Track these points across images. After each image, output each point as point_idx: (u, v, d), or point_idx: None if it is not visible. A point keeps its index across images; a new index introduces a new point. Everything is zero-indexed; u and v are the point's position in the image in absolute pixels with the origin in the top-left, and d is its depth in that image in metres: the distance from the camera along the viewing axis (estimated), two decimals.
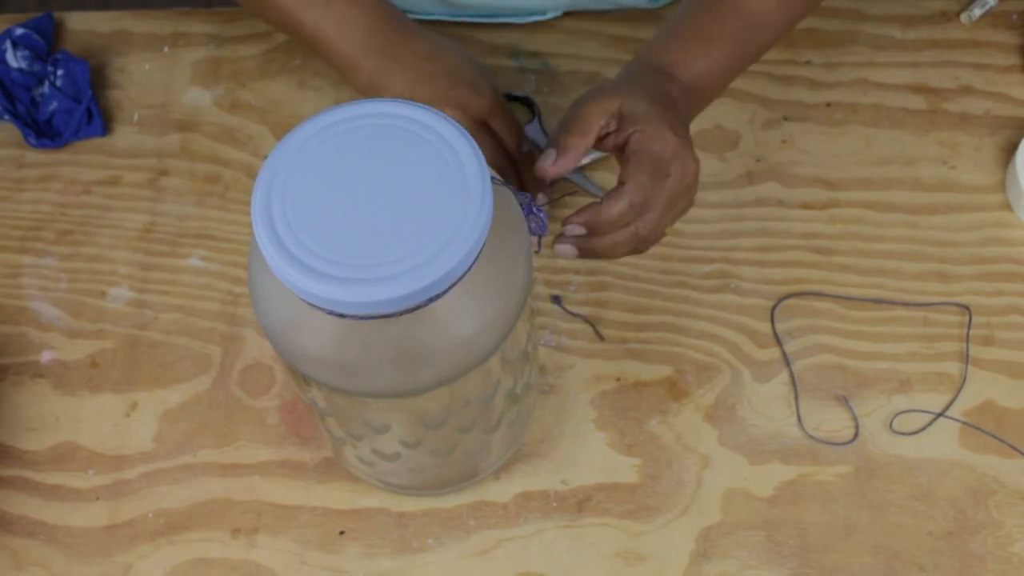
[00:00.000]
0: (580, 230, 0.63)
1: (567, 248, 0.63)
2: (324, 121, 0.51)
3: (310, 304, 0.49)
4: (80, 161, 0.81)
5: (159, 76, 0.84)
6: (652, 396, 0.73)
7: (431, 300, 0.50)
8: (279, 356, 0.56)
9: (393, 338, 0.51)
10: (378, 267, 0.48)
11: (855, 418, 0.72)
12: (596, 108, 0.63)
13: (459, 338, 0.53)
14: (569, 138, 0.63)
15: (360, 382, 0.54)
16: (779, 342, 0.74)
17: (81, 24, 0.87)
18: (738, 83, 0.84)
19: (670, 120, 0.64)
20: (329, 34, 0.72)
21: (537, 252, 0.60)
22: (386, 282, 0.48)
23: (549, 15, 0.85)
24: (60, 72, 0.82)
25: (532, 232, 0.58)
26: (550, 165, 0.63)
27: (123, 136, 0.82)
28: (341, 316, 0.50)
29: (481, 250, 0.50)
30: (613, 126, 0.64)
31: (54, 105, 0.81)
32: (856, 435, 0.72)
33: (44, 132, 0.81)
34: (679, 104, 0.66)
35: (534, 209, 0.58)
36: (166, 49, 0.85)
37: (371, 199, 0.50)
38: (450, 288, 0.50)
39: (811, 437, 0.72)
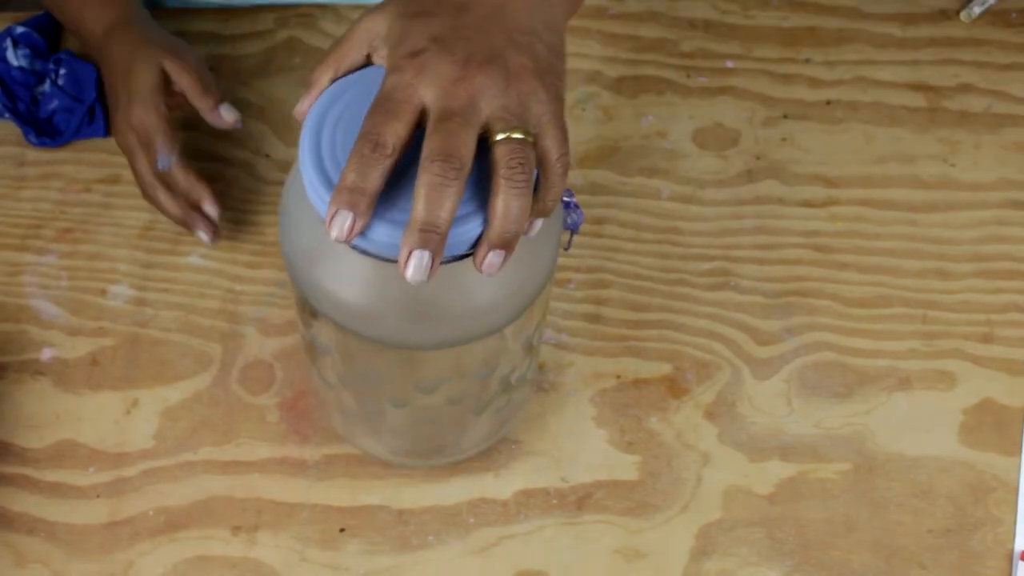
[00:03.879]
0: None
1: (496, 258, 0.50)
2: (346, 85, 0.51)
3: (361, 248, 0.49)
4: (81, 159, 0.82)
5: None
6: (652, 393, 0.73)
7: (458, 258, 0.49)
8: (293, 284, 0.56)
9: (409, 287, 0.50)
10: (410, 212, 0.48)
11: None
12: (354, 33, 0.53)
13: (474, 303, 0.52)
14: (315, 71, 0.53)
15: (367, 324, 0.53)
16: None
17: None
18: (738, 81, 0.84)
19: (412, 27, 0.51)
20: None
21: (566, 249, 0.59)
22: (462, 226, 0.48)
23: None
24: (63, 71, 0.82)
25: (567, 226, 0.57)
26: (299, 107, 0.52)
27: None
28: (363, 253, 0.49)
29: None
30: (380, 52, 0.52)
31: (55, 104, 0.81)
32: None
33: (44, 131, 0.81)
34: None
35: (572, 204, 0.58)
36: None
37: (419, 149, 0.48)
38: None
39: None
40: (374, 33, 0.52)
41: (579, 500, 0.70)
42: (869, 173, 0.80)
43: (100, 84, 0.82)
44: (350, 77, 0.52)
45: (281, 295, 0.76)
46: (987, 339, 0.74)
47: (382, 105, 0.48)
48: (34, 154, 0.82)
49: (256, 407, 0.73)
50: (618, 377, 0.74)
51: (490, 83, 0.48)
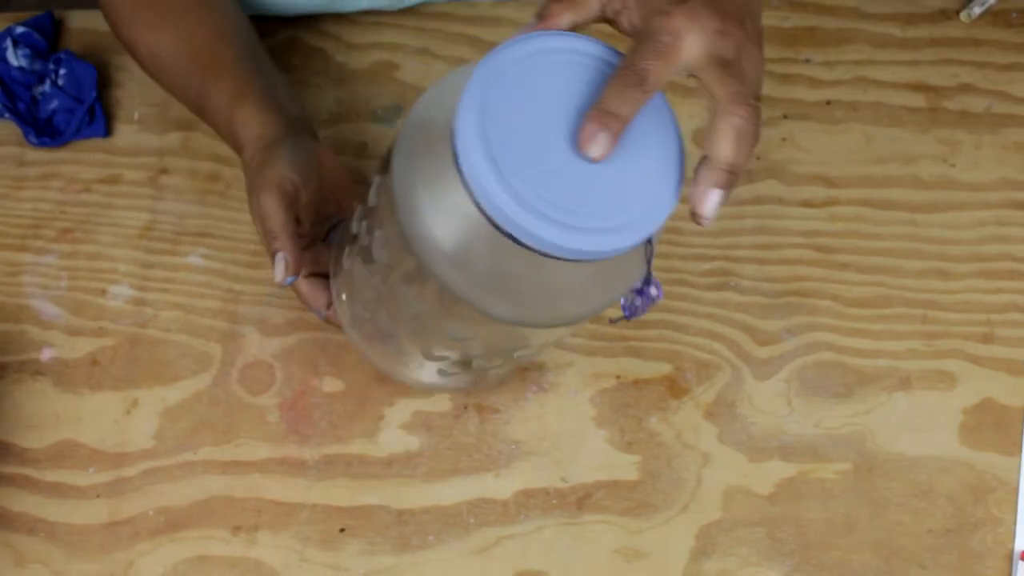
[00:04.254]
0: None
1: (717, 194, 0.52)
2: (539, 45, 0.51)
3: (471, 190, 0.49)
4: (80, 159, 0.82)
5: None
6: (652, 394, 0.73)
7: (583, 260, 0.49)
8: (389, 181, 0.54)
9: (497, 258, 0.50)
10: (559, 209, 0.47)
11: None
12: None
13: (538, 297, 0.52)
14: (554, 5, 0.53)
15: (425, 248, 0.52)
16: None
17: (82, 23, 0.87)
18: None
19: None
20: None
21: (611, 322, 0.57)
22: (573, 231, 0.47)
23: None
24: (63, 71, 0.82)
25: (624, 306, 0.55)
26: (528, 29, 0.53)
27: (124, 134, 0.82)
28: (480, 209, 0.48)
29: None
30: (619, 4, 0.54)
31: (55, 104, 0.82)
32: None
33: (44, 131, 0.81)
34: None
35: (647, 291, 0.55)
36: None
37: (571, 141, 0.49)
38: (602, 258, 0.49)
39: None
40: None
41: (579, 500, 0.70)
42: (869, 173, 0.80)
43: (100, 84, 0.82)
44: (538, 46, 0.50)
45: (281, 295, 0.76)
46: (987, 339, 0.75)
47: (651, 43, 0.49)
48: (34, 154, 0.82)
49: (256, 407, 0.73)
50: (618, 377, 0.74)
51: (744, 41, 0.50)
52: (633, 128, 0.49)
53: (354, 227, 0.62)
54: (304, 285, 0.67)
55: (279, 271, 0.65)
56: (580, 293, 0.53)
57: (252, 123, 0.70)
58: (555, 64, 0.50)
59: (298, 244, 0.66)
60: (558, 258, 0.49)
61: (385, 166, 0.56)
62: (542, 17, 0.52)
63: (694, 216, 0.51)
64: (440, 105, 0.52)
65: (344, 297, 0.66)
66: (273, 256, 0.66)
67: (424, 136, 0.52)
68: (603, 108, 0.48)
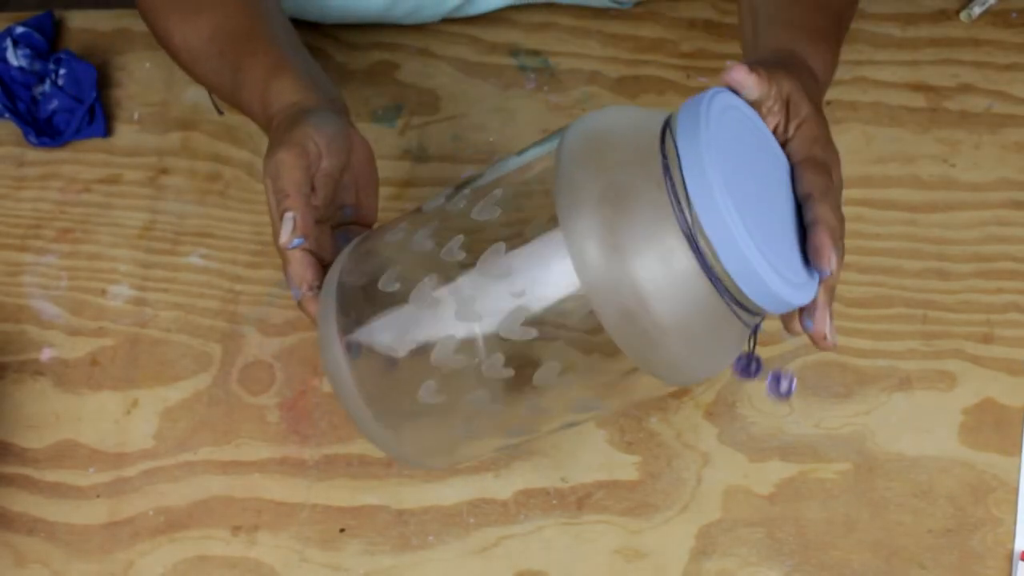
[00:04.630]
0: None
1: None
2: (731, 102, 0.55)
3: (700, 229, 0.50)
4: (80, 159, 0.82)
5: (159, 74, 0.84)
6: None
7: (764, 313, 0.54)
8: (560, 224, 0.53)
9: (680, 304, 0.52)
10: (772, 259, 0.51)
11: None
12: (775, 79, 0.57)
13: (690, 352, 0.54)
14: (762, 69, 0.57)
15: (601, 289, 0.53)
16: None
17: (82, 23, 0.87)
18: None
19: (826, 127, 0.60)
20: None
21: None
22: (784, 282, 0.51)
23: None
24: (63, 71, 0.82)
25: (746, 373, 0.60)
26: (744, 73, 0.56)
27: (123, 134, 0.82)
28: (698, 252, 0.51)
29: None
30: (777, 109, 0.58)
31: (55, 104, 0.82)
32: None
33: (44, 131, 0.81)
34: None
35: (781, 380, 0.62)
36: None
37: (765, 197, 0.54)
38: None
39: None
40: (778, 90, 0.57)
41: (579, 500, 0.70)
42: (869, 173, 0.80)
43: (100, 84, 0.82)
44: (730, 102, 0.55)
45: (281, 295, 0.76)
46: (987, 339, 0.74)
47: (836, 166, 0.59)
48: (34, 154, 0.82)
49: (256, 407, 0.73)
50: None
51: None
52: (790, 205, 0.56)
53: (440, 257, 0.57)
54: (296, 256, 0.62)
55: (286, 230, 0.61)
56: (717, 354, 0.56)
57: (287, 93, 0.67)
58: (738, 122, 0.55)
59: (310, 208, 0.62)
60: (747, 309, 0.53)
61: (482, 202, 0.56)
62: (752, 69, 0.56)
63: (820, 343, 0.57)
64: (623, 144, 0.53)
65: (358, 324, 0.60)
66: (281, 216, 0.61)
67: (609, 176, 0.53)
68: (832, 227, 0.55)
